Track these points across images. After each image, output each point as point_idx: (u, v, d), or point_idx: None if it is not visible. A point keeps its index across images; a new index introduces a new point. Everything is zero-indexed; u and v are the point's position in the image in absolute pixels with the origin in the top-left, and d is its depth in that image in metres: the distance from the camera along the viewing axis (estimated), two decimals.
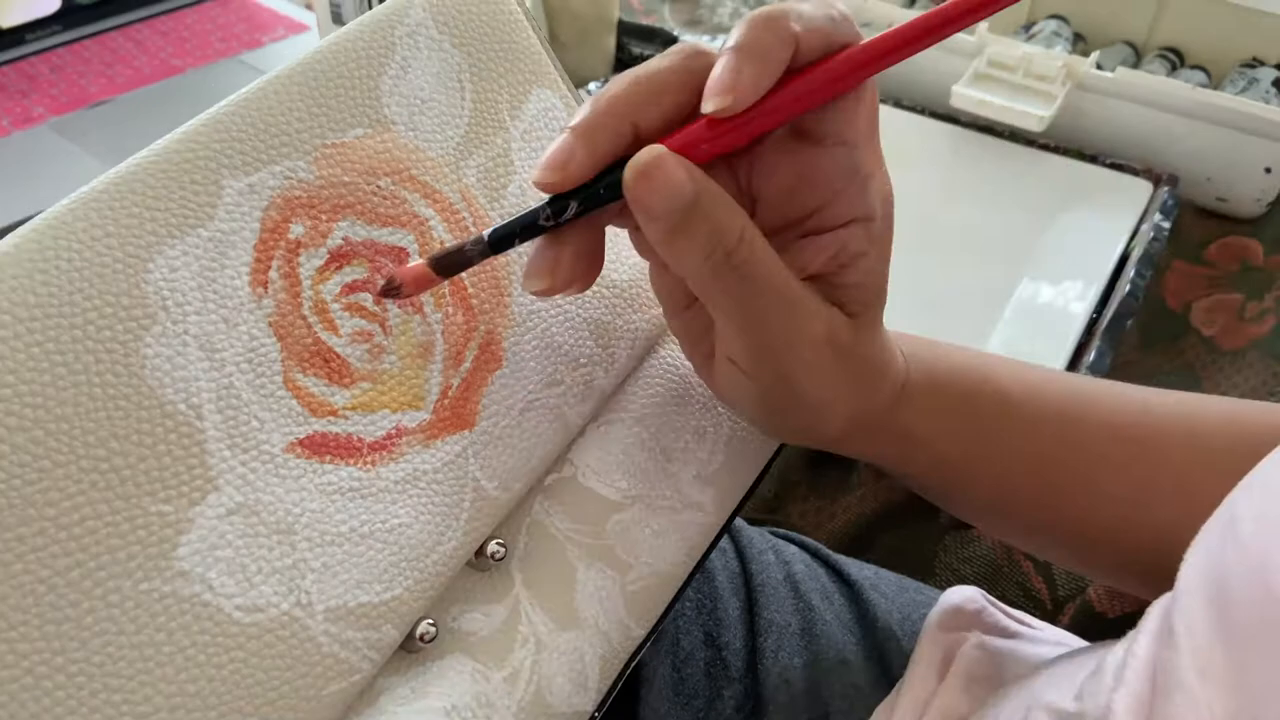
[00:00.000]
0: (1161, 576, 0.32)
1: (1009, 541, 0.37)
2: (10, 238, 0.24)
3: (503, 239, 0.27)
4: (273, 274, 0.27)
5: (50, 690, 0.23)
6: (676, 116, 0.26)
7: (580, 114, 0.26)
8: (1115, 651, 0.27)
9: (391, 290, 0.27)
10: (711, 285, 0.26)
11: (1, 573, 0.23)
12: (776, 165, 0.28)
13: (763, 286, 0.26)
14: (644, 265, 0.34)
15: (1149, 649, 0.25)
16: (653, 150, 0.25)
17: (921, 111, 0.84)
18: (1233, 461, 0.30)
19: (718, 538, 0.35)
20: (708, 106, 0.24)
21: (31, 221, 0.24)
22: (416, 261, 0.27)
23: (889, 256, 0.29)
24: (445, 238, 0.30)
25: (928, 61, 0.87)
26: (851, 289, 0.28)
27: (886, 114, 0.85)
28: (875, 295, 0.29)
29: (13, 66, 0.85)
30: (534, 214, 0.27)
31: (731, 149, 0.26)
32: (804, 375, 0.28)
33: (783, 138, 0.27)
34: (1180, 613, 0.24)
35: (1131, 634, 0.27)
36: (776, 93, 0.25)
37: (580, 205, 0.26)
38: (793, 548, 0.44)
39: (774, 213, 0.28)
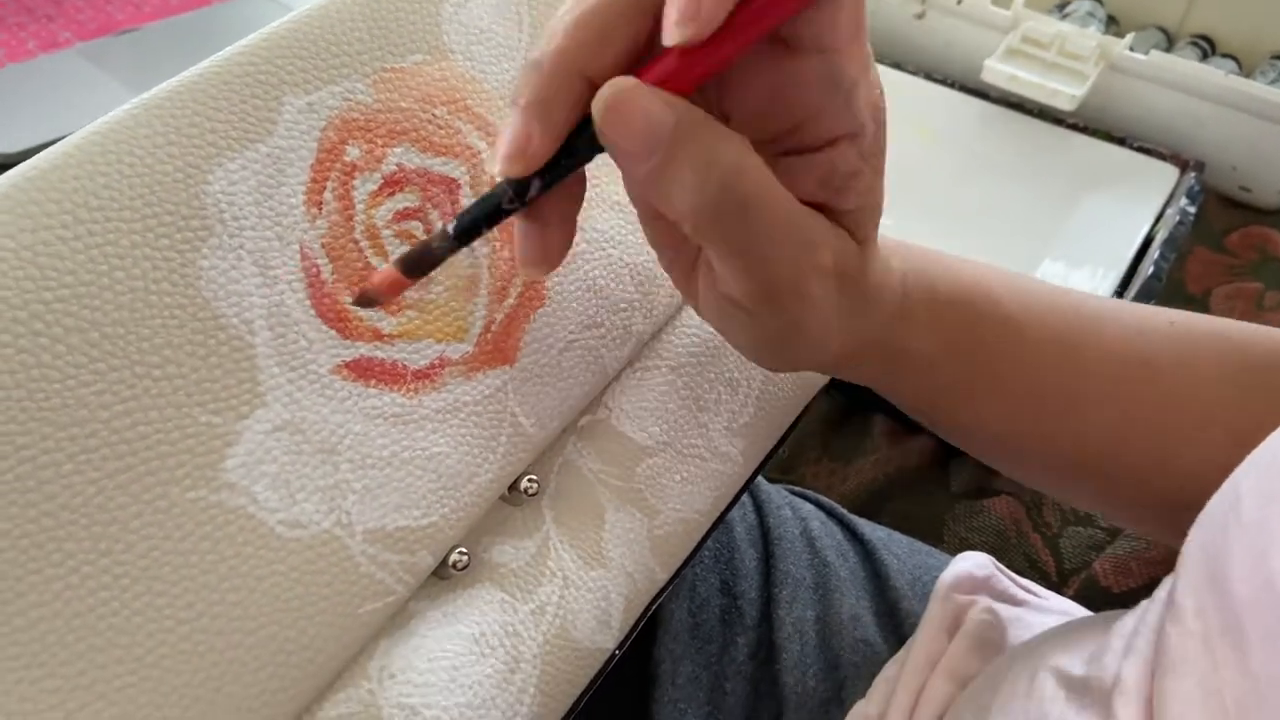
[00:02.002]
0: (1148, 504, 0.33)
1: (997, 467, 0.36)
2: (71, 139, 0.24)
3: (467, 230, 0.24)
4: (327, 195, 0.27)
5: (95, 590, 0.23)
6: (633, 52, 0.22)
7: (527, 85, 0.23)
8: (1126, 620, 0.28)
9: (365, 301, 0.26)
10: (709, 225, 0.23)
11: (52, 471, 0.23)
12: (750, 80, 0.24)
13: (768, 219, 0.23)
14: None
15: (1161, 620, 0.25)
16: (618, 84, 0.21)
17: (952, 85, 0.84)
18: (1218, 383, 0.31)
19: (742, 490, 0.35)
20: (670, 39, 0.21)
21: (92, 125, 0.24)
22: (385, 267, 0.25)
23: (883, 171, 0.26)
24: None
25: (960, 35, 0.86)
26: (852, 214, 0.25)
27: (917, 86, 0.84)
28: (874, 219, 0.27)
29: None
30: (495, 198, 0.24)
31: (706, 79, 0.22)
32: (810, 311, 0.26)
33: (755, 48, 0.23)
34: (1184, 590, 0.24)
35: (1145, 604, 0.27)
36: (746, 5, 0.21)
37: (546, 181, 0.24)
38: (809, 505, 0.44)
39: (751, 134, 0.23)
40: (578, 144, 0.23)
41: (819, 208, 0.25)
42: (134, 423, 0.24)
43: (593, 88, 0.22)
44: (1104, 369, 0.31)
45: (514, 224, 0.25)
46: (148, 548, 0.24)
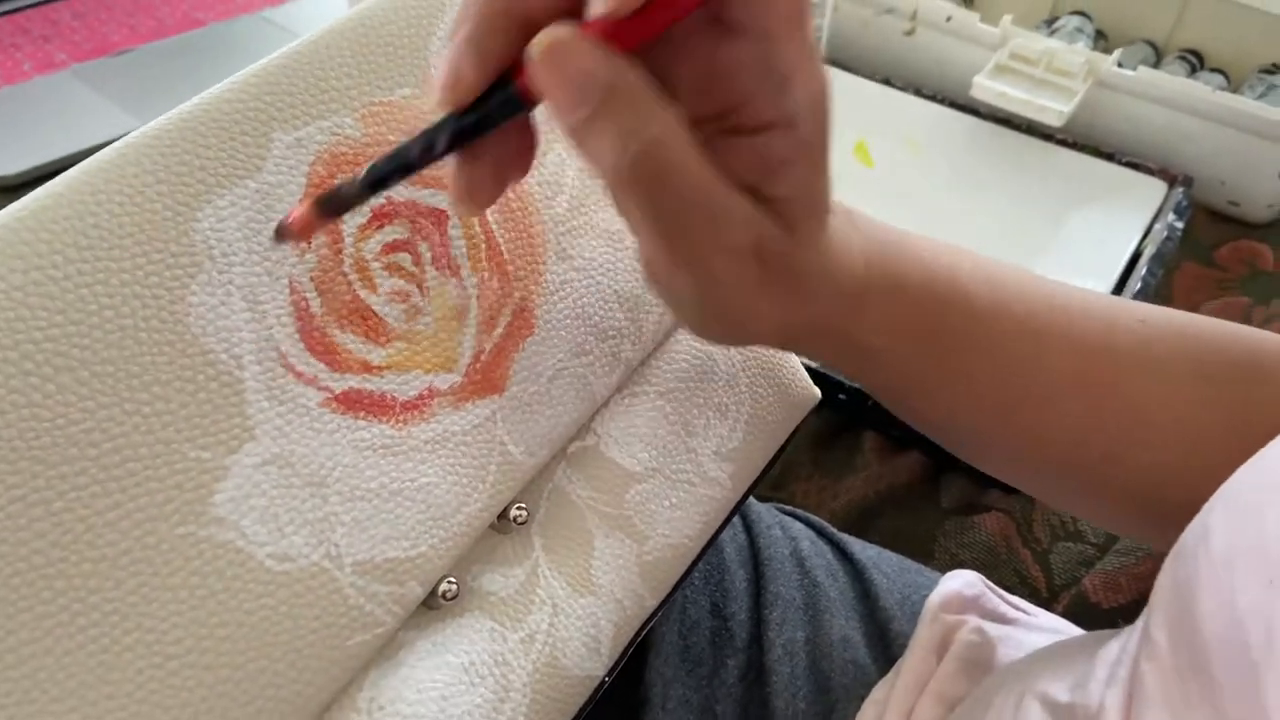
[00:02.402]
0: (1109, 498, 0.33)
1: (966, 458, 0.36)
2: (62, 178, 0.24)
3: (376, 181, 0.24)
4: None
5: (85, 627, 0.23)
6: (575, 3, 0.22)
7: (465, 18, 0.22)
8: (1110, 647, 0.28)
9: (282, 234, 0.25)
10: (625, 186, 0.23)
11: (42, 510, 0.23)
12: (688, 55, 0.24)
13: (682, 193, 0.23)
14: None
15: (1137, 649, 0.25)
16: (559, 30, 0.21)
17: (941, 101, 0.84)
18: (1182, 383, 0.31)
19: (732, 514, 0.35)
20: (596, 9, 0.21)
21: (82, 164, 0.25)
22: (302, 205, 0.25)
23: (825, 167, 0.26)
24: None
25: (950, 52, 0.87)
26: (782, 202, 0.25)
27: (906, 103, 0.85)
28: (811, 209, 0.26)
29: (36, 11, 0.85)
30: (405, 150, 0.24)
31: (647, 39, 0.22)
32: (724, 287, 0.25)
33: (698, 19, 0.23)
34: (1157, 624, 0.24)
35: (1127, 630, 0.28)
36: None
37: (453, 140, 0.23)
38: (799, 525, 0.45)
39: (689, 108, 0.23)
40: (494, 96, 0.23)
41: (752, 190, 0.25)
42: (123, 460, 0.24)
43: (528, 32, 0.22)
44: (1070, 364, 0.31)
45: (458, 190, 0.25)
46: (137, 584, 0.24)
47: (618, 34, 0.22)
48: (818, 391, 0.39)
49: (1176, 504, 0.29)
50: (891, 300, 0.30)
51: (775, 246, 0.25)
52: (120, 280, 0.24)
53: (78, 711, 0.23)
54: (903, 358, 0.31)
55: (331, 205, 0.25)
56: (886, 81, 0.86)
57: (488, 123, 0.23)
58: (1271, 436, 0.25)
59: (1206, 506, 0.25)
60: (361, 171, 0.24)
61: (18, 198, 0.24)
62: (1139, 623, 0.27)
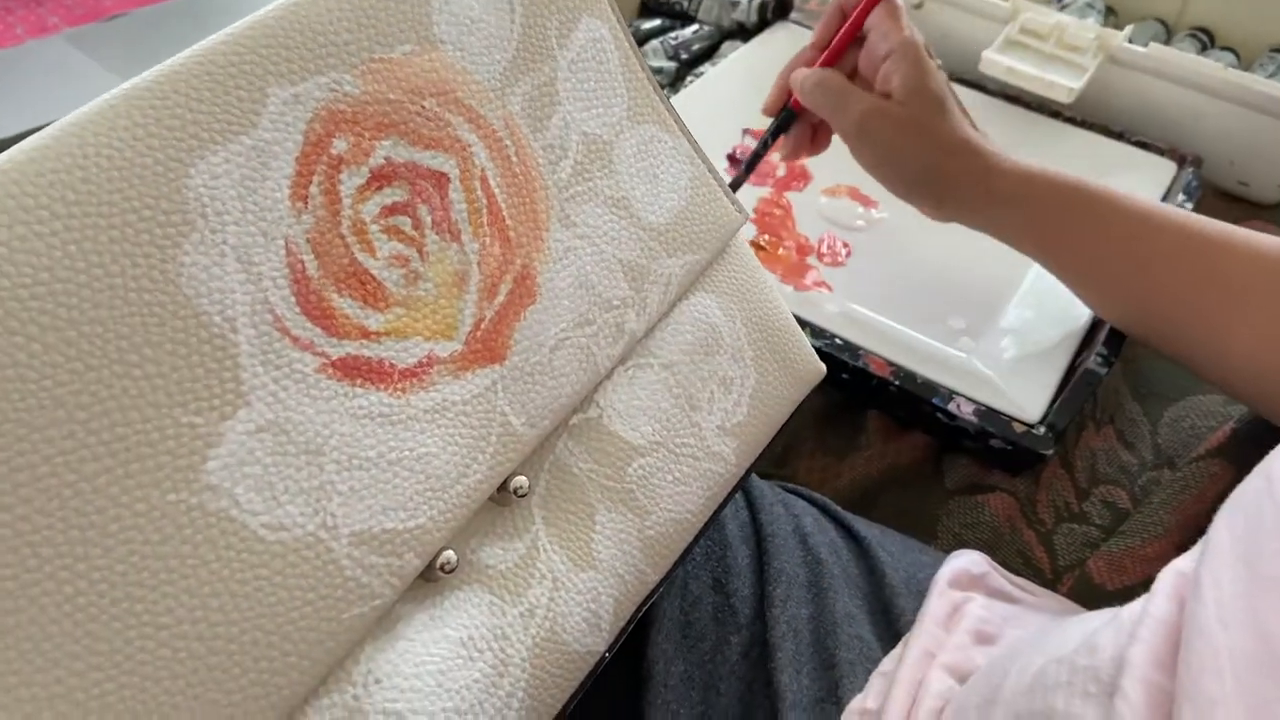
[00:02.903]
0: (1209, 361, 0.47)
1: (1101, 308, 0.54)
2: (49, 130, 0.23)
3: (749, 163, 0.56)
4: (313, 189, 0.26)
5: (71, 596, 0.23)
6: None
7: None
8: (1131, 608, 0.27)
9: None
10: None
11: (28, 474, 0.22)
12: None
13: (836, 95, 0.55)
14: (680, 208, 0.33)
15: (1164, 609, 0.25)
16: (807, 72, 0.57)
17: (949, 76, 0.83)
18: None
19: (734, 489, 0.35)
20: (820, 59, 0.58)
21: (69, 116, 0.24)
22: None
23: (927, 66, 0.53)
24: (487, 165, 0.29)
25: (958, 25, 0.86)
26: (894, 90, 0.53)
27: None
28: (920, 92, 0.53)
29: None
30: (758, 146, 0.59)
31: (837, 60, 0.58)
32: (864, 139, 0.54)
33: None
34: (1208, 569, 0.24)
35: (1146, 595, 0.27)
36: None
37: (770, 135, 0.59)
38: (802, 502, 0.44)
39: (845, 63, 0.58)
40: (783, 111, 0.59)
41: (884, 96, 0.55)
42: (112, 424, 0.23)
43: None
44: (1187, 232, 0.46)
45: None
46: (126, 552, 0.23)
47: (828, 61, 0.57)
48: (823, 366, 0.38)
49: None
50: (1023, 174, 0.52)
51: (885, 110, 0.53)
52: (109, 237, 0.23)
53: (64, 683, 0.23)
54: (1037, 208, 0.51)
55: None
56: None
57: (784, 125, 0.58)
58: None
59: (1265, 461, 0.25)
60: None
61: None
62: (1159, 587, 0.26)
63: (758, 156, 0.59)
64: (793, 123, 0.58)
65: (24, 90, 0.72)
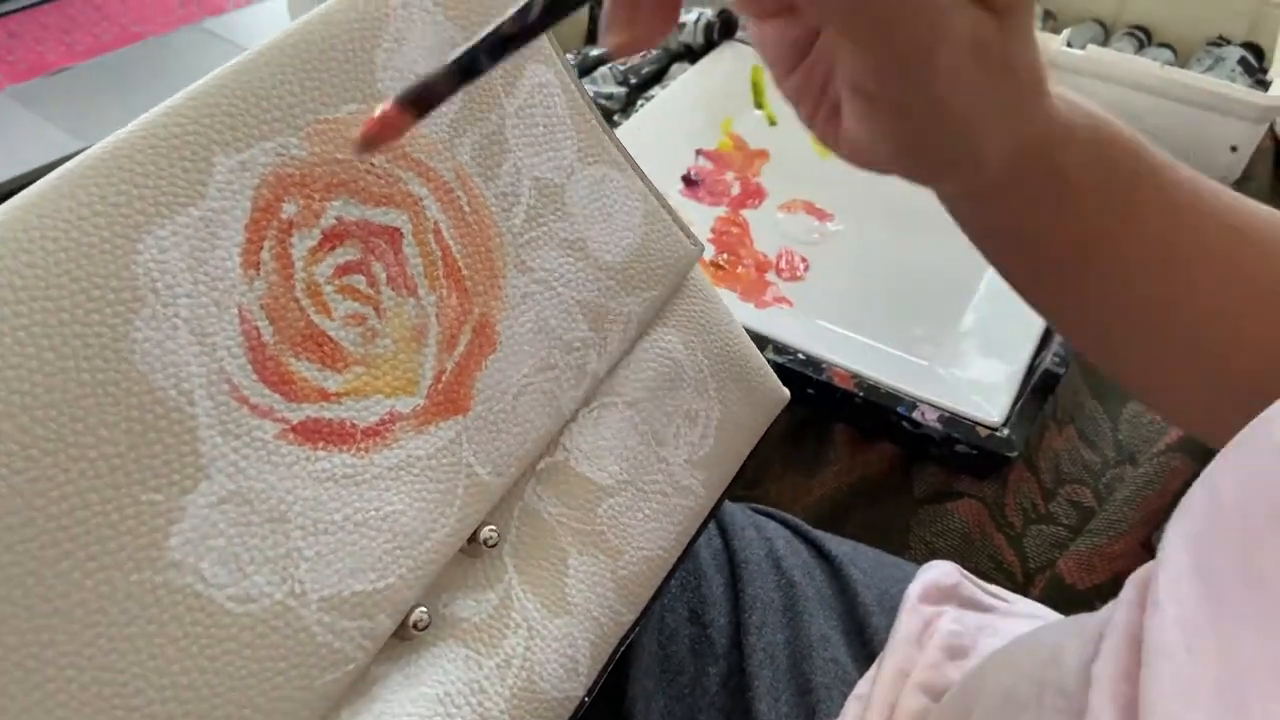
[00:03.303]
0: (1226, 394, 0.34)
1: (1096, 348, 0.37)
2: None
3: (471, 63, 0.23)
4: (265, 255, 0.26)
5: (40, 684, 0.22)
6: None
7: None
8: (1096, 618, 0.28)
9: (367, 143, 0.23)
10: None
11: None
12: None
13: None
14: (636, 245, 0.34)
15: (1128, 619, 0.25)
16: None
17: None
18: None
19: (707, 520, 0.35)
20: None
21: (13, 200, 0.23)
22: (385, 105, 0.23)
23: None
24: (439, 218, 0.29)
25: None
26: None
27: None
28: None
29: None
30: (499, 25, 0.23)
31: None
32: (945, 84, 0.25)
33: None
34: (1166, 583, 0.24)
35: (1111, 604, 0.27)
36: None
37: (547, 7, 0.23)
38: (773, 524, 0.44)
39: None
40: None
41: None
42: (71, 508, 0.23)
43: None
44: (1228, 221, 0.32)
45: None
46: (93, 636, 0.23)
47: None
48: (786, 392, 0.39)
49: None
50: (1096, 136, 0.31)
51: (990, 36, 0.25)
52: (59, 320, 0.23)
53: None
54: (1094, 204, 0.31)
55: (419, 99, 0.23)
56: None
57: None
58: None
59: (1209, 469, 0.25)
60: (450, 56, 0.23)
61: None
62: (1124, 596, 0.26)
63: (502, 40, 0.23)
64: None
65: None
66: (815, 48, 0.28)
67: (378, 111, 0.23)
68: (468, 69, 0.23)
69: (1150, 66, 0.77)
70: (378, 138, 0.23)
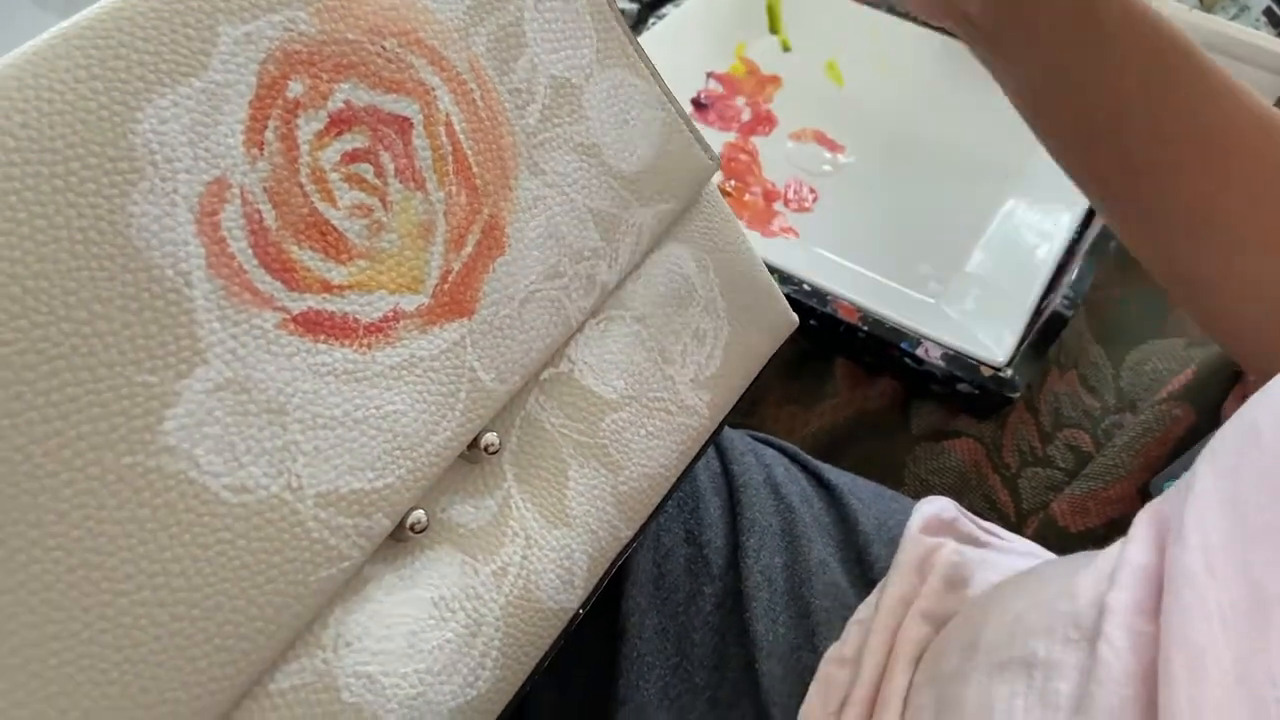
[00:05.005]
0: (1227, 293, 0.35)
1: (1073, 166, 0.39)
2: None
3: None
4: (269, 134, 0.25)
5: (25, 564, 0.22)
6: None
7: None
8: (1107, 554, 0.28)
9: None
10: None
11: None
12: None
13: None
14: (652, 155, 0.32)
15: (1144, 554, 0.25)
16: None
17: (914, 19, 0.82)
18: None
19: (708, 443, 0.34)
20: None
21: (6, 57, 0.22)
22: None
23: None
24: (452, 110, 0.28)
25: None
26: None
27: (876, 19, 0.83)
28: None
29: None
30: None
31: None
32: None
33: None
34: (1193, 512, 0.24)
35: (1122, 541, 0.27)
36: None
37: None
38: (771, 451, 0.44)
39: None
40: None
41: None
42: (62, 384, 0.22)
43: None
44: (1264, 117, 0.34)
45: None
46: (81, 517, 0.22)
47: None
48: (795, 317, 0.38)
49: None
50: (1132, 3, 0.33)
51: None
52: (52, 187, 0.22)
53: (19, 653, 0.22)
54: (1133, 60, 0.33)
55: None
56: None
57: None
58: None
59: (1249, 404, 0.25)
60: None
61: None
62: (1135, 533, 0.26)
63: None
64: None
65: None
66: None
67: None
68: None
69: (1178, 9, 0.75)
70: None
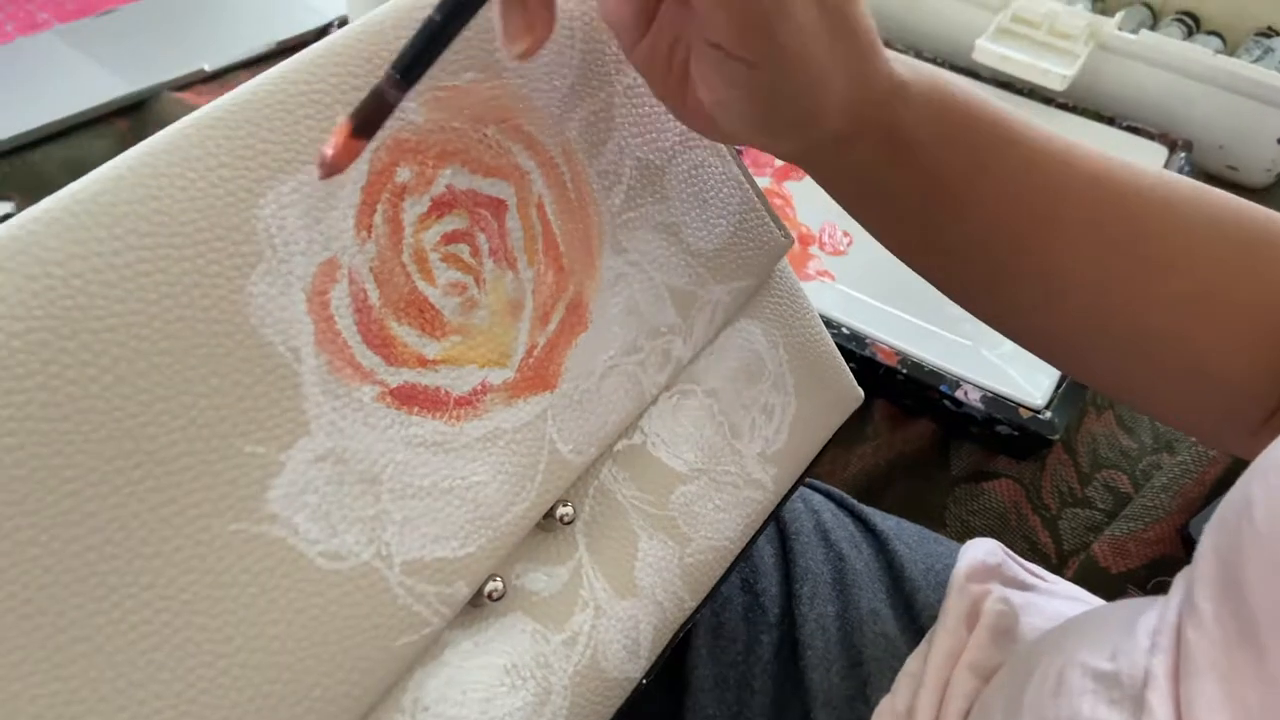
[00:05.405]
0: (1132, 361, 0.34)
1: (969, 299, 0.36)
2: (123, 159, 0.23)
3: (410, 66, 0.25)
4: (377, 218, 0.26)
5: (136, 624, 0.23)
6: None
7: None
8: (1149, 615, 0.28)
9: (326, 168, 0.24)
10: None
11: (97, 504, 0.22)
12: None
13: None
14: (729, 234, 0.33)
15: (1179, 619, 0.26)
16: None
17: (942, 65, 0.83)
18: (1199, 236, 0.32)
19: (770, 517, 0.35)
20: None
21: (141, 145, 0.23)
22: (338, 127, 0.25)
23: None
24: (544, 192, 0.29)
25: (951, 14, 0.86)
26: None
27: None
28: None
29: None
30: (425, 26, 0.25)
31: None
32: (795, 36, 0.26)
33: None
34: (1202, 594, 0.25)
35: (1164, 599, 0.28)
36: None
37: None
38: (818, 496, 0.44)
39: None
40: None
41: None
42: (179, 454, 0.23)
43: None
44: (1092, 198, 0.32)
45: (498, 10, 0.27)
46: (189, 581, 0.23)
47: None
48: (860, 392, 0.39)
49: (1189, 370, 0.31)
50: (929, 94, 0.31)
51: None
52: (181, 269, 0.23)
53: (126, 711, 0.23)
54: (939, 154, 0.32)
55: (366, 117, 0.25)
56: (887, 44, 0.84)
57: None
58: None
59: (1245, 477, 0.25)
60: (387, 68, 0.25)
61: (6, 161, 0.23)
62: (1175, 590, 0.27)
63: (433, 38, 0.25)
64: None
65: (16, 88, 0.71)
66: (660, 14, 0.28)
67: (330, 141, 0.24)
68: (408, 74, 0.25)
69: (1202, 54, 0.76)
70: (334, 161, 0.25)
